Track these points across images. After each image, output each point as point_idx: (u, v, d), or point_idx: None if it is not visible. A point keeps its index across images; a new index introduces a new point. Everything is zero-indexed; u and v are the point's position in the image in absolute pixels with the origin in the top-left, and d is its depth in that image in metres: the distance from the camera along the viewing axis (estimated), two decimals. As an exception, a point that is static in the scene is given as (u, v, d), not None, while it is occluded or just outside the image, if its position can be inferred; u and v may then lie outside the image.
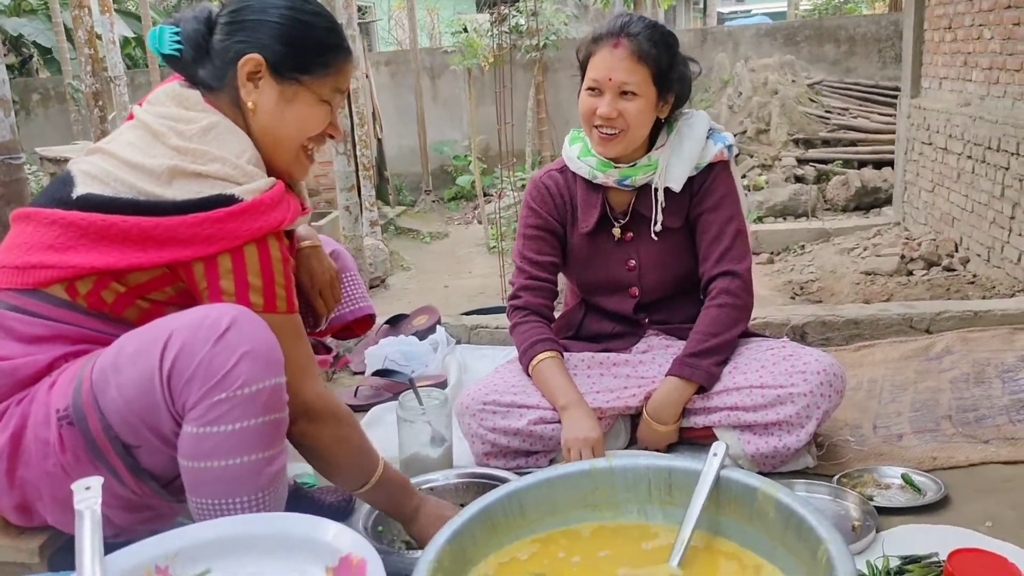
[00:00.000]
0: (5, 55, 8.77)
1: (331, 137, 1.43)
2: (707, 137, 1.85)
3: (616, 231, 1.90)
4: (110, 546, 0.98)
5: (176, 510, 1.32)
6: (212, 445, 1.15)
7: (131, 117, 1.36)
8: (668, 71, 1.77)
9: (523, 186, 6.87)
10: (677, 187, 1.82)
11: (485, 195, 8.10)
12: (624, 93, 1.74)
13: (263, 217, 1.25)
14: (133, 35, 10.92)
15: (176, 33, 1.33)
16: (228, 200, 1.22)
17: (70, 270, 1.23)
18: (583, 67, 1.82)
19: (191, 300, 1.29)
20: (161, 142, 1.27)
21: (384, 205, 8.33)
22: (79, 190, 1.25)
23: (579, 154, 1.88)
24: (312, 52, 1.34)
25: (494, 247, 6.96)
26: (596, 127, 1.78)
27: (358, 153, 6.58)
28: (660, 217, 1.85)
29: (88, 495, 0.92)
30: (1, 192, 2.47)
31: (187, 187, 1.23)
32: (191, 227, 1.21)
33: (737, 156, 6.24)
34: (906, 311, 2.49)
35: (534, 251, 1.91)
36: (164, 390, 1.15)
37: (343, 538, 0.97)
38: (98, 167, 1.27)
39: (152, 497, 1.26)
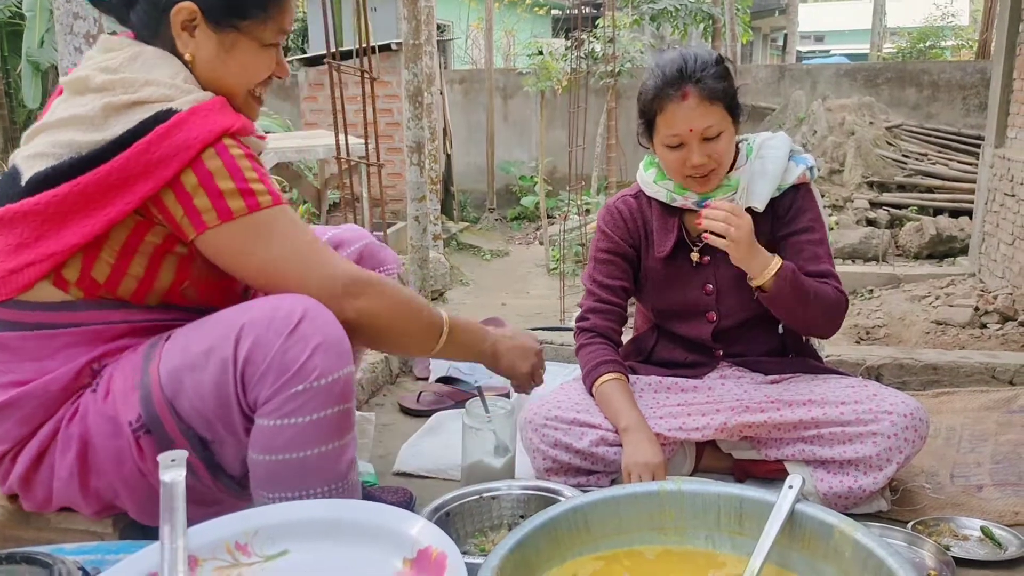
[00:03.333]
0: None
1: (278, 77, 1.35)
2: (789, 158, 1.82)
3: (695, 255, 1.87)
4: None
5: (243, 507, 1.33)
6: (288, 437, 1.15)
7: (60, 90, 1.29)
8: (735, 96, 1.75)
9: (588, 210, 6.87)
10: (761, 206, 1.79)
11: (548, 217, 8.12)
12: (708, 138, 1.71)
13: (209, 120, 1.17)
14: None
15: None
16: (167, 115, 1.15)
17: (51, 259, 1.17)
18: (649, 121, 1.78)
19: (176, 243, 1.23)
20: (88, 87, 1.19)
21: (448, 220, 8.42)
22: (25, 176, 1.17)
23: (655, 179, 1.86)
24: None
25: (554, 269, 6.96)
26: (688, 175, 1.76)
27: (428, 167, 6.67)
28: None
29: (173, 466, 0.94)
30: None
31: (124, 120, 1.15)
32: (140, 156, 1.13)
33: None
34: (989, 360, 2.40)
35: (604, 275, 1.90)
36: (237, 384, 1.15)
37: (425, 531, 0.97)
38: (38, 144, 1.19)
39: (225, 492, 1.26)
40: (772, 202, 1.81)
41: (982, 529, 1.61)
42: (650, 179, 1.87)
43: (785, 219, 1.83)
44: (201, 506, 1.25)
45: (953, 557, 1.49)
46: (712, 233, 1.65)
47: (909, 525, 1.61)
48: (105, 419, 1.19)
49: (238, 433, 1.19)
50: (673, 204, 1.85)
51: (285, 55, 1.39)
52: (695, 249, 1.87)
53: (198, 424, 1.17)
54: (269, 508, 1.05)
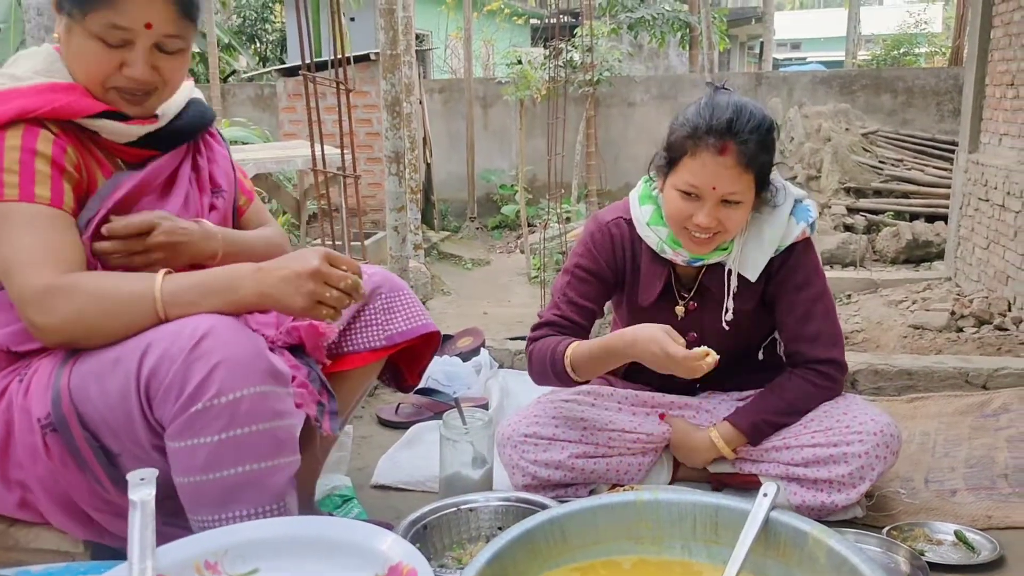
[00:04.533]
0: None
1: (131, 78, 1.29)
2: (791, 213, 1.72)
3: (679, 309, 1.80)
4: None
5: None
6: (204, 457, 1.12)
7: None
8: (769, 170, 1.65)
9: (568, 218, 6.88)
10: (753, 276, 1.71)
11: (529, 225, 8.13)
12: (726, 202, 1.60)
13: (3, 104, 1.22)
14: (197, 51, 11.23)
15: None
16: None
17: None
18: (674, 159, 1.64)
19: None
20: None
21: (428, 229, 8.41)
22: None
23: (650, 220, 1.75)
24: None
25: (535, 277, 6.96)
26: (687, 229, 1.65)
27: (407, 176, 6.66)
28: (731, 305, 1.73)
29: (142, 485, 0.93)
30: None
31: None
32: None
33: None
34: (962, 365, 2.43)
35: (578, 293, 1.80)
36: (141, 397, 1.13)
37: (396, 548, 0.96)
38: None
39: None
40: (768, 261, 1.72)
41: (956, 533, 1.62)
42: (644, 218, 1.76)
43: (778, 277, 1.75)
44: (121, 518, 1.18)
45: (927, 562, 1.50)
46: None
47: (884, 531, 1.62)
48: (22, 412, 1.19)
49: (145, 448, 1.17)
50: (663, 255, 1.75)
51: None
52: (680, 303, 1.80)
53: (104, 432, 1.16)
54: (240, 526, 1.04)
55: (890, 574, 1.48)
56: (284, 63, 10.70)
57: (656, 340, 1.52)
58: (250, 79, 10.87)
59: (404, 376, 1.76)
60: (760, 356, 1.87)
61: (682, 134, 1.61)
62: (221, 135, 1.62)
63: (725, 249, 1.70)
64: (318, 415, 1.34)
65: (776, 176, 1.72)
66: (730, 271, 1.71)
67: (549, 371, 1.74)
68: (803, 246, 1.74)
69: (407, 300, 1.66)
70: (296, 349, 1.41)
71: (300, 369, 1.35)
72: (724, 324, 1.74)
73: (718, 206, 1.59)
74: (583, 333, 1.80)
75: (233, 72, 12.39)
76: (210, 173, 1.53)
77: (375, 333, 1.61)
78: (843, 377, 1.75)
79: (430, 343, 1.70)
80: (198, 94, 1.54)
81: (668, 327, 1.56)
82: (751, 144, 1.56)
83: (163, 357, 1.12)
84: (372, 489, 1.96)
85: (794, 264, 1.73)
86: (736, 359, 1.83)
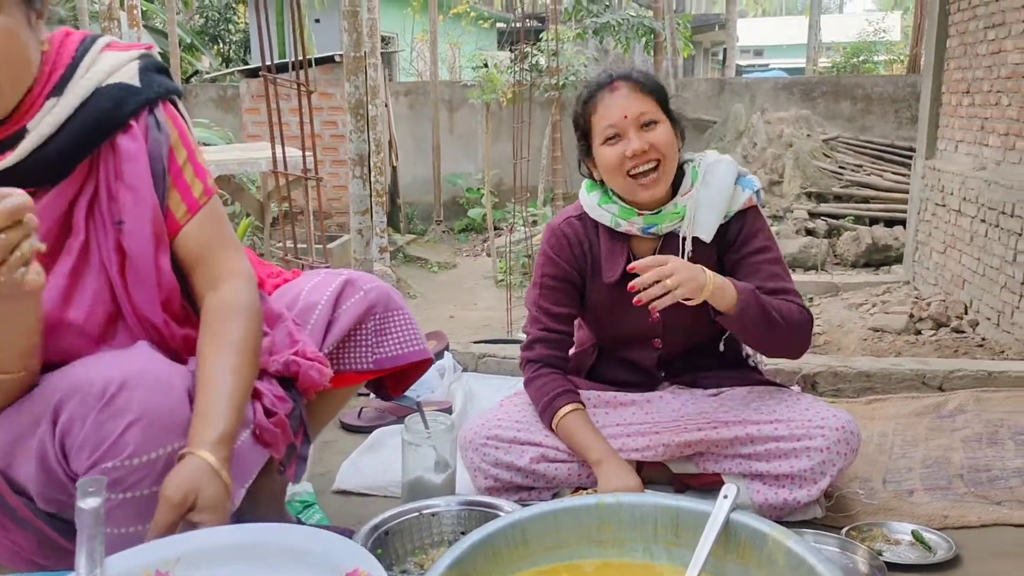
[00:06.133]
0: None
1: None
2: (735, 182, 1.80)
3: None
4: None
5: None
6: (111, 509, 1.06)
7: None
8: (667, 96, 1.76)
9: (535, 221, 6.89)
10: (708, 237, 1.76)
11: (496, 229, 8.13)
12: (645, 124, 1.70)
13: None
14: (159, 51, 11.06)
15: None
16: None
17: None
18: (585, 132, 1.77)
19: None
20: None
21: (394, 232, 8.37)
22: None
23: (599, 201, 1.81)
24: None
25: (502, 281, 6.96)
26: (630, 174, 1.71)
27: (372, 179, 6.62)
28: None
29: (91, 493, 0.90)
30: None
31: None
32: None
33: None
34: (919, 367, 2.47)
35: (551, 302, 1.83)
36: (60, 459, 1.08)
37: (350, 553, 0.95)
38: None
39: None
40: (720, 228, 1.78)
41: (913, 533, 1.65)
42: (593, 202, 1.82)
43: (736, 243, 1.80)
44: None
45: (885, 562, 1.52)
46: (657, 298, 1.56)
47: (843, 531, 1.64)
48: None
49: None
50: (618, 229, 1.79)
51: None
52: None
53: (37, 493, 1.10)
54: (191, 534, 1.01)
55: (848, 574, 1.49)
56: (248, 64, 10.59)
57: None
58: (213, 80, 10.74)
59: (386, 386, 1.68)
60: (721, 348, 1.88)
61: (580, 108, 1.78)
62: (175, 111, 1.29)
63: (678, 214, 1.75)
64: (285, 459, 1.26)
65: (714, 152, 1.84)
66: (684, 237, 1.77)
67: (539, 412, 1.82)
68: (754, 213, 1.81)
69: (401, 322, 1.57)
70: (287, 381, 1.33)
71: (284, 402, 1.28)
72: None
73: (640, 131, 1.69)
74: (568, 339, 1.87)
75: (196, 73, 12.23)
76: (111, 194, 1.19)
77: (364, 355, 1.53)
78: (811, 325, 1.76)
79: (420, 365, 1.64)
80: (125, 70, 1.21)
81: (638, 488, 1.65)
82: (636, 76, 1.73)
83: (74, 417, 1.06)
84: (334, 494, 1.94)
85: (749, 231, 1.79)
86: (698, 346, 1.87)
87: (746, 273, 1.78)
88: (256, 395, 1.25)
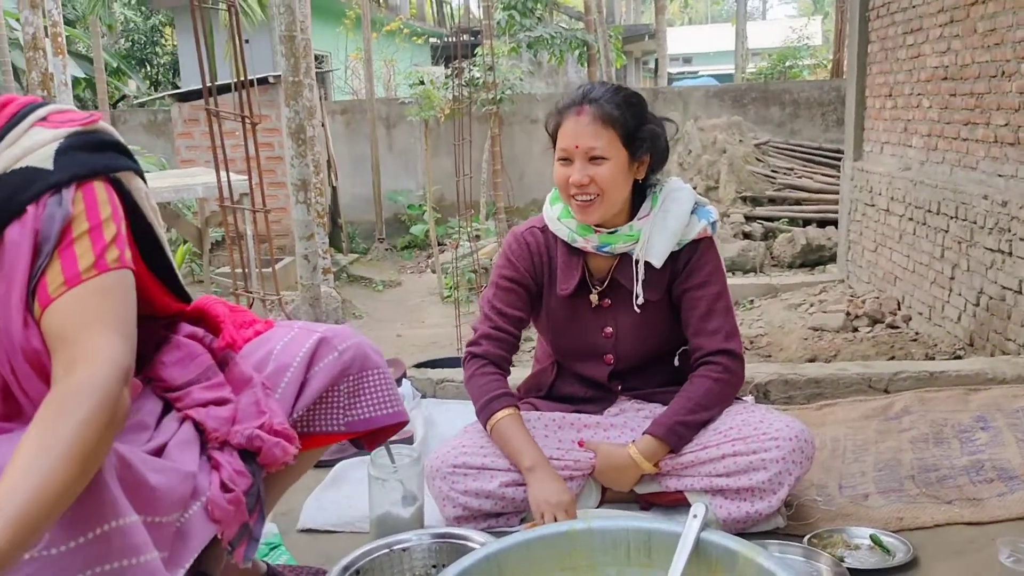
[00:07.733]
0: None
1: None
2: (692, 212, 1.84)
3: (594, 297, 1.88)
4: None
5: None
6: None
7: None
8: (636, 131, 1.76)
9: (478, 236, 6.89)
10: (658, 263, 1.81)
11: (439, 244, 8.11)
12: (593, 159, 1.74)
13: None
14: (84, 76, 10.77)
15: None
16: None
17: None
18: (553, 139, 1.82)
19: None
20: None
21: (337, 252, 8.28)
22: None
23: (560, 215, 1.87)
24: None
25: (448, 296, 6.95)
26: (572, 196, 1.78)
27: (312, 200, 6.55)
28: (640, 291, 1.83)
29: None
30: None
31: None
32: None
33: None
34: (865, 371, 2.55)
35: (504, 303, 1.89)
36: None
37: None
38: None
39: None
40: (673, 255, 1.83)
41: (871, 537, 1.70)
42: (554, 215, 1.88)
43: (683, 273, 1.85)
44: None
45: (848, 568, 1.57)
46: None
47: (805, 539, 1.68)
48: None
49: None
50: (574, 245, 1.85)
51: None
52: (595, 291, 1.88)
53: None
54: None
55: (815, 583, 1.53)
56: (178, 87, 10.38)
57: (551, 506, 1.67)
58: (142, 104, 10.49)
59: (360, 441, 1.58)
60: (676, 363, 1.93)
61: (553, 114, 1.82)
62: (102, 193, 1.14)
63: (633, 237, 1.80)
64: (235, 539, 1.19)
65: (678, 179, 1.91)
66: (637, 260, 1.82)
67: (476, 411, 1.86)
68: (706, 244, 1.86)
69: (376, 383, 1.50)
70: (249, 455, 1.26)
71: (244, 478, 1.22)
72: (636, 308, 1.83)
73: (587, 164, 1.74)
74: (515, 341, 1.91)
75: (123, 97, 11.94)
76: None
77: (336, 417, 1.45)
78: (740, 368, 1.83)
79: (396, 424, 1.57)
80: (40, 152, 1.11)
81: (568, 500, 1.69)
82: (604, 103, 1.74)
83: None
84: (299, 533, 1.90)
85: (697, 263, 1.84)
86: (652, 360, 1.93)
87: (685, 307, 1.85)
88: (215, 466, 1.20)
